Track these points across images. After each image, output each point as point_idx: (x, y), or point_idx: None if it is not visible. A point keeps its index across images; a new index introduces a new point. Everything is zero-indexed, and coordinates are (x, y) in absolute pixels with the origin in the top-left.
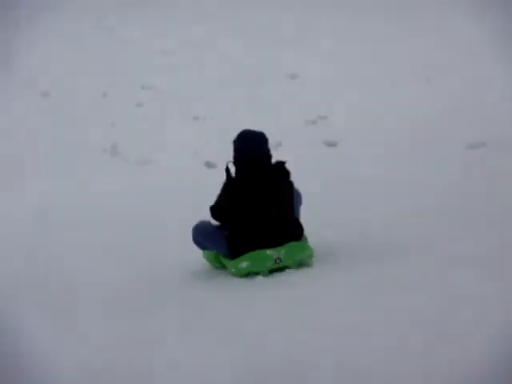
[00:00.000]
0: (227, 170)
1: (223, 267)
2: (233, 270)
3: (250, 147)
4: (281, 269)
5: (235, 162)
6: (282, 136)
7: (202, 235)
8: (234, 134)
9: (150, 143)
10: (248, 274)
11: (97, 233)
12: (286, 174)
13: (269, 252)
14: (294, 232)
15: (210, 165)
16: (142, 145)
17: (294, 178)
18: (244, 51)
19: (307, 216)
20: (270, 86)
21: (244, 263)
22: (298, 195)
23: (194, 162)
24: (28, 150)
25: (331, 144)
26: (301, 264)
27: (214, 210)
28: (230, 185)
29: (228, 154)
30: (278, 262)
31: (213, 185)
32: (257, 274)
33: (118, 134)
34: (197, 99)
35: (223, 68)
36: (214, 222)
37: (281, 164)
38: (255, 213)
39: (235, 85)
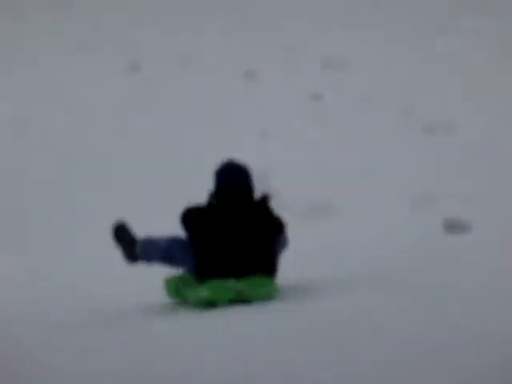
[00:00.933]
0: (210, 196)
1: (182, 299)
2: (192, 298)
3: (227, 180)
4: (243, 301)
5: (215, 193)
6: None
7: (179, 251)
8: None
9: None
10: (208, 304)
11: None
12: (266, 209)
13: (230, 283)
14: (262, 267)
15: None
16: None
17: None
18: None
19: None
20: None
21: (204, 292)
22: (284, 238)
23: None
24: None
25: None
26: (265, 298)
27: (187, 215)
28: (207, 208)
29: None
30: (240, 293)
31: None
32: (215, 304)
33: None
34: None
35: None
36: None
37: (264, 198)
38: (224, 242)
39: None
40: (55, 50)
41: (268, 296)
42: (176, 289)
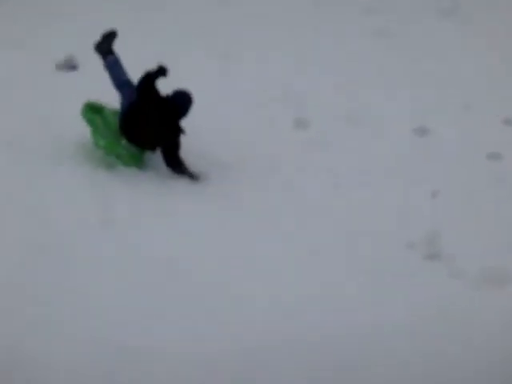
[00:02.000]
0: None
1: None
2: (97, 141)
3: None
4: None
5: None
6: None
7: (127, 91)
8: None
9: None
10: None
11: None
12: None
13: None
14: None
15: None
16: None
17: None
18: None
19: None
20: None
21: (102, 142)
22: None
23: None
24: None
25: None
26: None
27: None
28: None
29: None
30: (120, 156)
31: None
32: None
33: None
34: None
35: None
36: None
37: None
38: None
39: None
40: None
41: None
42: (93, 114)
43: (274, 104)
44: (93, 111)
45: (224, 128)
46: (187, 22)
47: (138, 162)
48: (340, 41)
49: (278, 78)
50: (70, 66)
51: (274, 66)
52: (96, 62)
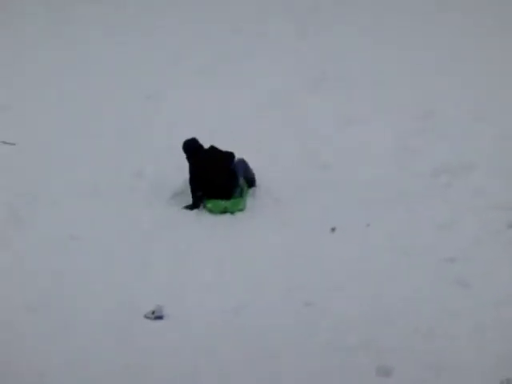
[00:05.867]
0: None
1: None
2: (206, 207)
3: (187, 147)
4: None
5: (186, 158)
6: None
7: None
8: None
9: None
10: (210, 211)
11: None
12: (219, 152)
13: (222, 202)
14: (228, 192)
15: None
16: None
17: None
18: None
19: None
20: None
21: (209, 205)
22: (240, 162)
23: None
24: None
25: None
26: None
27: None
28: (190, 166)
29: None
30: (226, 208)
31: None
32: (214, 212)
33: None
34: None
35: None
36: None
37: (213, 147)
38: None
39: None
40: None
41: (240, 209)
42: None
43: None
44: None
45: None
46: None
47: (239, 206)
48: None
49: None
50: None
51: None
52: None
